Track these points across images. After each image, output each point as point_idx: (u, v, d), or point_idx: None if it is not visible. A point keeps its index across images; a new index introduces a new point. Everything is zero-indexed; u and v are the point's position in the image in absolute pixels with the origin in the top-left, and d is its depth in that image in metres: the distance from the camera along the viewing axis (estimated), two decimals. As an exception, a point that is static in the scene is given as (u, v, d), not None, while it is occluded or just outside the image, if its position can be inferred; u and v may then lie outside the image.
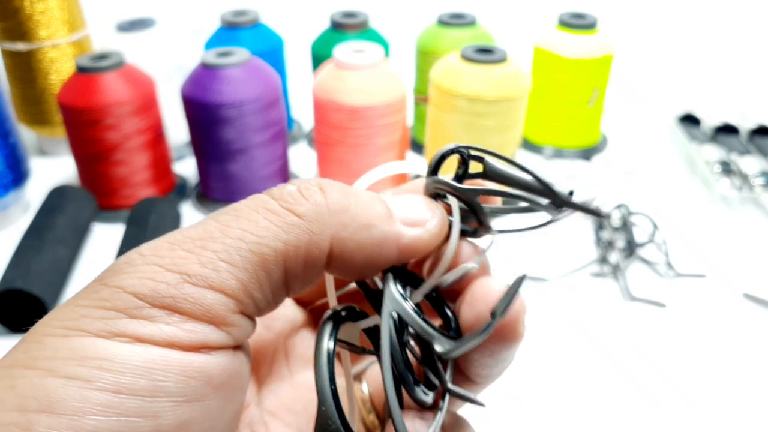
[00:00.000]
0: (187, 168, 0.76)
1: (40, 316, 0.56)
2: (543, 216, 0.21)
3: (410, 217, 0.20)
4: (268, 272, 0.18)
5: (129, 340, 0.16)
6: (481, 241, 0.22)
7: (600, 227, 0.64)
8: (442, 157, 0.21)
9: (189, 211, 0.69)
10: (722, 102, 0.90)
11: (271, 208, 0.18)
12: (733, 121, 0.81)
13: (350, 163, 0.68)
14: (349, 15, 0.77)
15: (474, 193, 0.21)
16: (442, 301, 0.22)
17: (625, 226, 0.63)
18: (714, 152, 0.75)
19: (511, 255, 0.62)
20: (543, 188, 0.20)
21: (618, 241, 0.62)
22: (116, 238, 0.60)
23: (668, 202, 0.70)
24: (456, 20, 0.74)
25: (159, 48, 0.75)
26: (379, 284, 0.22)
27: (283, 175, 0.71)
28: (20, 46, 0.72)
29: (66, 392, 0.15)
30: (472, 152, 0.21)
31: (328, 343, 0.20)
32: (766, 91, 0.98)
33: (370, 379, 0.25)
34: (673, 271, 0.59)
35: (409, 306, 0.20)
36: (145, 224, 0.59)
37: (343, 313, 0.21)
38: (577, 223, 0.66)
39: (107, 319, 0.16)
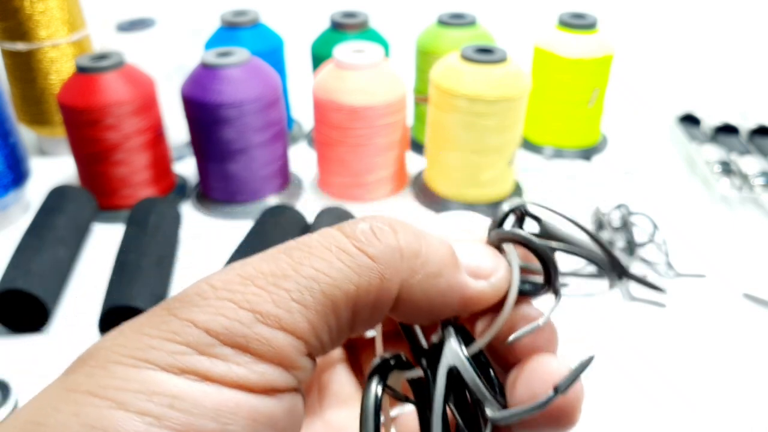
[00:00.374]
0: (187, 168, 0.76)
1: (41, 316, 0.56)
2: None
3: (475, 268, 0.20)
4: (337, 315, 0.18)
5: (199, 379, 0.16)
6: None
7: (600, 227, 0.64)
8: (510, 212, 0.21)
9: (189, 211, 0.69)
10: (722, 102, 0.90)
11: (343, 248, 0.18)
12: (733, 121, 0.81)
13: (350, 163, 0.68)
14: (349, 15, 0.77)
15: (551, 250, 0.21)
16: (488, 363, 0.21)
17: (625, 226, 0.63)
18: (714, 152, 0.75)
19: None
20: (605, 256, 0.20)
21: (618, 241, 0.62)
22: (116, 238, 0.60)
23: (668, 202, 0.70)
24: (456, 20, 0.74)
25: (159, 48, 0.75)
26: (420, 333, 0.22)
27: (283, 175, 0.71)
28: (20, 46, 0.72)
29: (136, 428, 0.15)
30: (533, 209, 0.21)
31: (376, 394, 0.19)
32: (766, 91, 0.98)
33: (401, 427, 0.25)
34: (673, 271, 0.59)
35: (468, 362, 0.20)
36: (145, 224, 0.59)
37: (392, 362, 0.21)
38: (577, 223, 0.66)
39: (178, 354, 0.16)
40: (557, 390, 0.19)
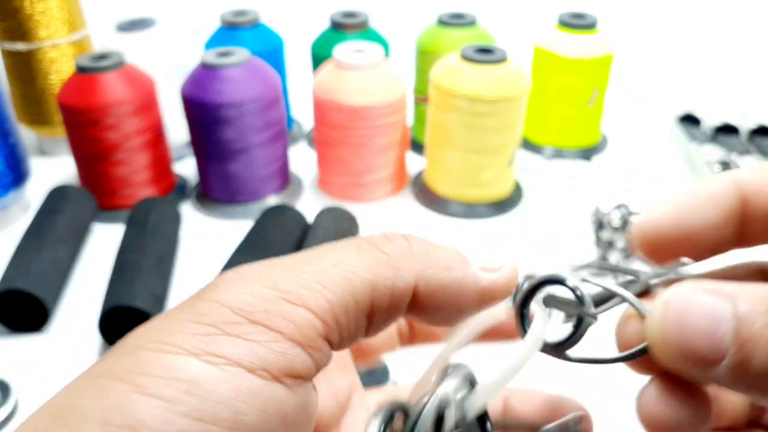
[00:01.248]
0: (187, 168, 0.76)
1: (41, 316, 0.57)
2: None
3: (485, 263, 0.22)
4: (356, 299, 0.19)
5: (220, 362, 0.16)
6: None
7: (600, 227, 0.64)
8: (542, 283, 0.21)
9: (189, 211, 0.69)
10: (722, 102, 0.90)
11: (362, 246, 0.20)
12: (733, 121, 0.81)
13: (350, 163, 0.68)
14: (349, 15, 0.77)
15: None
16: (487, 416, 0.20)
17: (625, 226, 0.63)
18: (714, 152, 0.75)
19: (508, 253, 0.62)
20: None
21: (618, 241, 0.62)
22: (116, 238, 0.60)
23: (668, 202, 0.70)
24: (456, 20, 0.74)
25: (159, 48, 0.75)
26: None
27: (283, 175, 0.71)
28: (20, 46, 0.72)
29: (151, 412, 0.15)
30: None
31: None
32: (766, 91, 0.98)
33: None
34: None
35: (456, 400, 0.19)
36: (145, 224, 0.59)
37: (395, 407, 0.20)
38: (577, 223, 0.66)
39: (201, 335, 0.17)
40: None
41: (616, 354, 0.19)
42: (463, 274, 0.21)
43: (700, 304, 0.16)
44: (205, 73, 0.63)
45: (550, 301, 0.20)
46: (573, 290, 0.20)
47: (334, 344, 0.19)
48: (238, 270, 0.19)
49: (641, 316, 0.18)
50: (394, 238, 0.21)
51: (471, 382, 0.20)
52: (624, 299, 0.19)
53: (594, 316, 0.19)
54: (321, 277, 0.18)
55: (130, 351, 0.17)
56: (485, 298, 0.21)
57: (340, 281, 0.18)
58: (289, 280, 0.18)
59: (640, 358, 0.18)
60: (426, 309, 0.20)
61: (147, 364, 0.16)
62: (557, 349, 0.20)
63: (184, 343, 0.17)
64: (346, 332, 0.19)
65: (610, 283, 0.21)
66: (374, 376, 0.45)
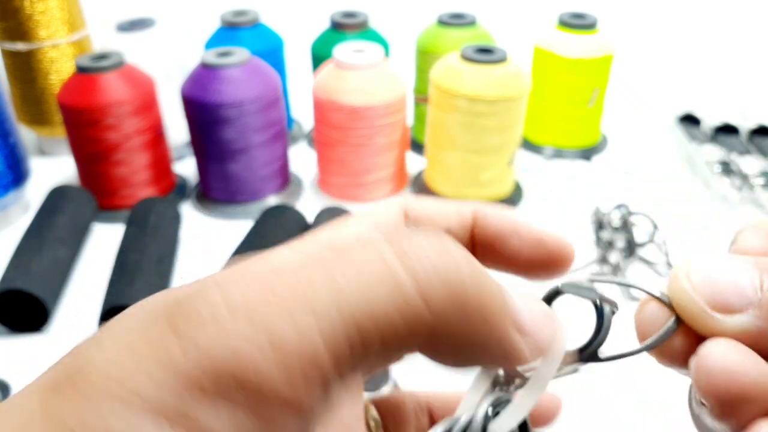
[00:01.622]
0: (187, 168, 0.76)
1: (41, 316, 0.56)
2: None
3: (526, 325, 0.17)
4: (364, 343, 0.15)
5: None
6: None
7: (600, 227, 0.64)
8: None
9: (189, 211, 0.69)
10: (722, 102, 0.90)
11: (386, 259, 0.15)
12: (733, 121, 0.81)
13: (350, 163, 0.68)
14: (349, 15, 0.77)
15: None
16: None
17: (625, 226, 0.63)
18: (714, 152, 0.75)
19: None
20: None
21: (618, 241, 0.62)
22: (116, 238, 0.60)
23: (668, 202, 0.70)
24: (456, 20, 0.74)
25: (159, 48, 0.75)
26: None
27: (283, 175, 0.71)
28: (20, 46, 0.72)
29: None
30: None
31: None
32: (766, 91, 0.98)
33: None
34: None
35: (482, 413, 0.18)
36: (145, 224, 0.59)
37: None
38: (577, 223, 0.66)
39: (174, 391, 0.14)
40: None
41: (647, 341, 0.19)
42: (491, 328, 0.16)
43: (724, 259, 0.18)
44: (205, 73, 0.63)
45: (570, 289, 0.19)
46: (587, 290, 0.19)
47: (334, 389, 0.15)
48: (223, 291, 0.15)
49: (655, 297, 0.19)
50: (432, 249, 0.15)
51: (498, 403, 0.19)
52: (635, 287, 0.20)
53: (615, 304, 0.19)
54: (324, 310, 0.14)
55: (89, 393, 0.14)
56: (510, 363, 0.17)
57: (349, 319, 0.14)
58: (287, 317, 0.14)
59: (671, 337, 0.19)
60: (433, 350, 0.16)
61: (111, 424, 0.13)
62: (585, 353, 0.19)
63: (153, 397, 0.14)
64: (350, 371, 0.15)
65: (619, 278, 0.21)
66: (374, 376, 0.45)
